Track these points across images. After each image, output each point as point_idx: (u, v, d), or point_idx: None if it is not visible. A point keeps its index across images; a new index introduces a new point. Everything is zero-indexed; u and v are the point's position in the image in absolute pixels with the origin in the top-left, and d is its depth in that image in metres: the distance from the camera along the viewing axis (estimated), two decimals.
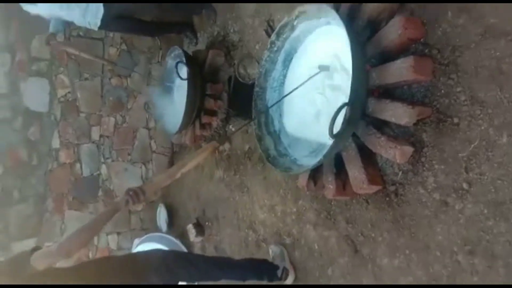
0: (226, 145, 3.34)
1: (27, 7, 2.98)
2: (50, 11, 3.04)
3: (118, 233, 4.34)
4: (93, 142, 4.11)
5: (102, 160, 4.17)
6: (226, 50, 3.46)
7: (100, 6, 3.01)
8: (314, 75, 1.95)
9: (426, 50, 1.66)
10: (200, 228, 3.55)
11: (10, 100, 3.69)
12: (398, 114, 1.59)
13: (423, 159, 1.66)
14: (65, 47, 3.42)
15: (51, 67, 3.81)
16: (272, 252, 2.47)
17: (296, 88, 1.95)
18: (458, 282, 1.50)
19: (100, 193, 4.18)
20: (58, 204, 3.98)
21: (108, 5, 3.00)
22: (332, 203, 2.13)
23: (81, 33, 3.87)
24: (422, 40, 1.67)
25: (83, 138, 4.05)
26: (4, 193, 3.78)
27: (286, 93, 2.26)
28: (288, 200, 2.50)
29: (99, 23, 3.16)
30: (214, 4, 3.68)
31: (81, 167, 4.07)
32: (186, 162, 1.83)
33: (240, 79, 3.15)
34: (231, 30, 3.45)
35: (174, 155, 4.47)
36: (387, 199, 1.80)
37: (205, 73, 3.40)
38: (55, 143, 3.93)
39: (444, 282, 1.55)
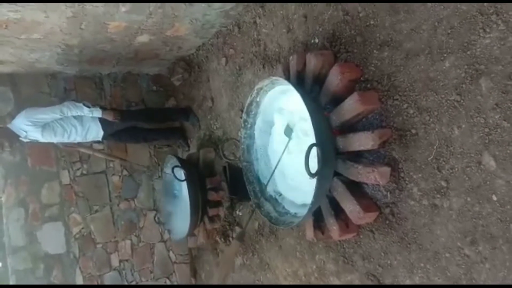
0: (238, 230, 3.43)
1: (34, 134, 3.19)
2: (52, 141, 3.40)
3: None
4: (114, 269, 4.18)
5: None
6: (215, 145, 3.77)
7: (99, 130, 3.41)
8: (287, 145, 2.20)
9: (368, 85, 1.92)
10: None
11: (29, 251, 3.85)
12: (363, 141, 1.79)
13: (402, 174, 1.80)
14: (78, 148, 3.86)
15: (62, 209, 4.05)
16: None
17: (278, 162, 2.18)
18: (475, 275, 1.53)
19: None
20: None
21: (106, 127, 3.40)
22: (345, 246, 2.19)
23: (84, 171, 4.20)
24: (361, 78, 1.94)
25: (104, 268, 4.13)
26: None
27: (270, 160, 2.48)
28: (306, 260, 2.53)
29: (100, 140, 3.58)
30: (194, 111, 4.13)
31: None
32: (221, 275, 1.98)
33: (233, 165, 3.40)
34: (214, 128, 3.80)
35: (195, 260, 4.49)
36: (387, 222, 1.89)
37: (201, 170, 3.65)
38: (79, 280, 3.99)
39: (463, 280, 1.57)
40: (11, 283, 3.85)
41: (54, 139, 3.34)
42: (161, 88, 4.64)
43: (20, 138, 3.19)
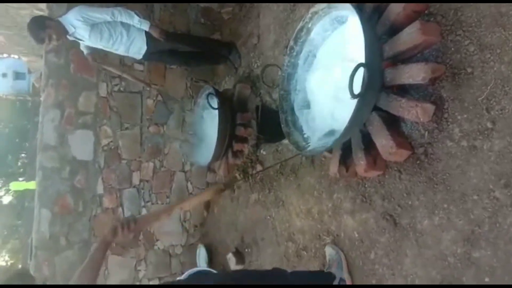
0: (259, 168, 3.46)
1: (81, 32, 3.23)
2: (97, 46, 3.45)
3: (160, 278, 4.36)
4: (134, 187, 4.33)
5: (143, 203, 4.35)
6: (252, 83, 3.76)
7: (143, 45, 3.44)
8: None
9: (432, 19, 1.83)
10: (240, 255, 3.53)
11: (58, 152, 4.02)
12: (414, 73, 1.72)
13: (446, 115, 1.74)
14: (105, 65, 3.94)
15: (95, 119, 4.18)
16: (328, 255, 2.36)
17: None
18: (500, 218, 1.48)
19: (141, 236, 4.29)
20: None
21: (150, 44, 3.42)
22: (366, 185, 2.17)
23: (121, 88, 4.30)
24: (426, 11, 1.85)
25: (124, 183, 4.28)
26: (52, 240, 3.96)
27: (310, 94, 2.44)
28: (323, 198, 2.53)
29: (141, 57, 3.61)
30: (238, 48, 4.10)
31: (123, 211, 4.25)
32: (186, 200, 1.97)
33: (267, 106, 3.40)
34: (255, 66, 3.77)
35: None
36: (418, 162, 1.85)
37: (234, 104, 3.66)
38: (99, 189, 4.16)
39: (486, 223, 1.53)
40: (37, 178, 4.07)
41: (99, 44, 3.39)
42: (208, 21, 4.62)
43: (68, 36, 3.26)
